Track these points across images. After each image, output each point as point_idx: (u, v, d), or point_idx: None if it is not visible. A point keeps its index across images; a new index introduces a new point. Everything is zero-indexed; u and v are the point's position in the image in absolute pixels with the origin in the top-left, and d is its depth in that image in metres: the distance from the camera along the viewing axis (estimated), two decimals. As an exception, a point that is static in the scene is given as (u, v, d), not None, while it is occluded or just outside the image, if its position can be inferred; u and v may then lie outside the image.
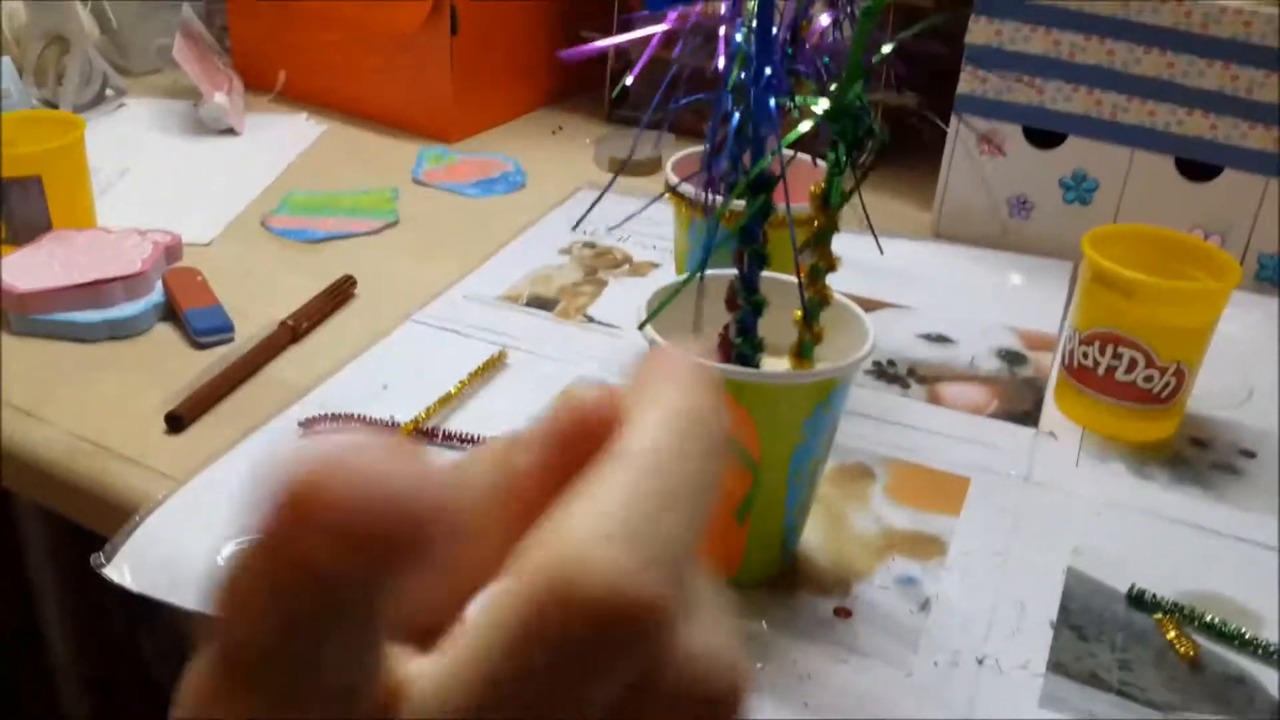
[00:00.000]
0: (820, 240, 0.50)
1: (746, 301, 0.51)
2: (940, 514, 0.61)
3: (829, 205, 0.49)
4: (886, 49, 0.47)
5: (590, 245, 0.87)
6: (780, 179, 0.48)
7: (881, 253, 0.53)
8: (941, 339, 0.77)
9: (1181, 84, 0.83)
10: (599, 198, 0.56)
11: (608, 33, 1.13)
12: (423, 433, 0.64)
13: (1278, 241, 0.84)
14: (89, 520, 0.61)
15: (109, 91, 1.10)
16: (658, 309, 0.49)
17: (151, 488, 0.59)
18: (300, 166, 1.00)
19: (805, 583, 0.55)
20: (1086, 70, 0.85)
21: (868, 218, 0.49)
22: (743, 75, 0.47)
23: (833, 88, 0.47)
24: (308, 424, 0.64)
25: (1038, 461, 0.65)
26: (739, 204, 0.50)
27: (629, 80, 0.60)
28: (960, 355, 0.76)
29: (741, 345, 0.52)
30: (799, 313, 0.51)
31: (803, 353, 0.52)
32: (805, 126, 0.47)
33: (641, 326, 0.50)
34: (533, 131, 1.12)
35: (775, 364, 0.53)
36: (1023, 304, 0.82)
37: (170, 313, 0.76)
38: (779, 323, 0.52)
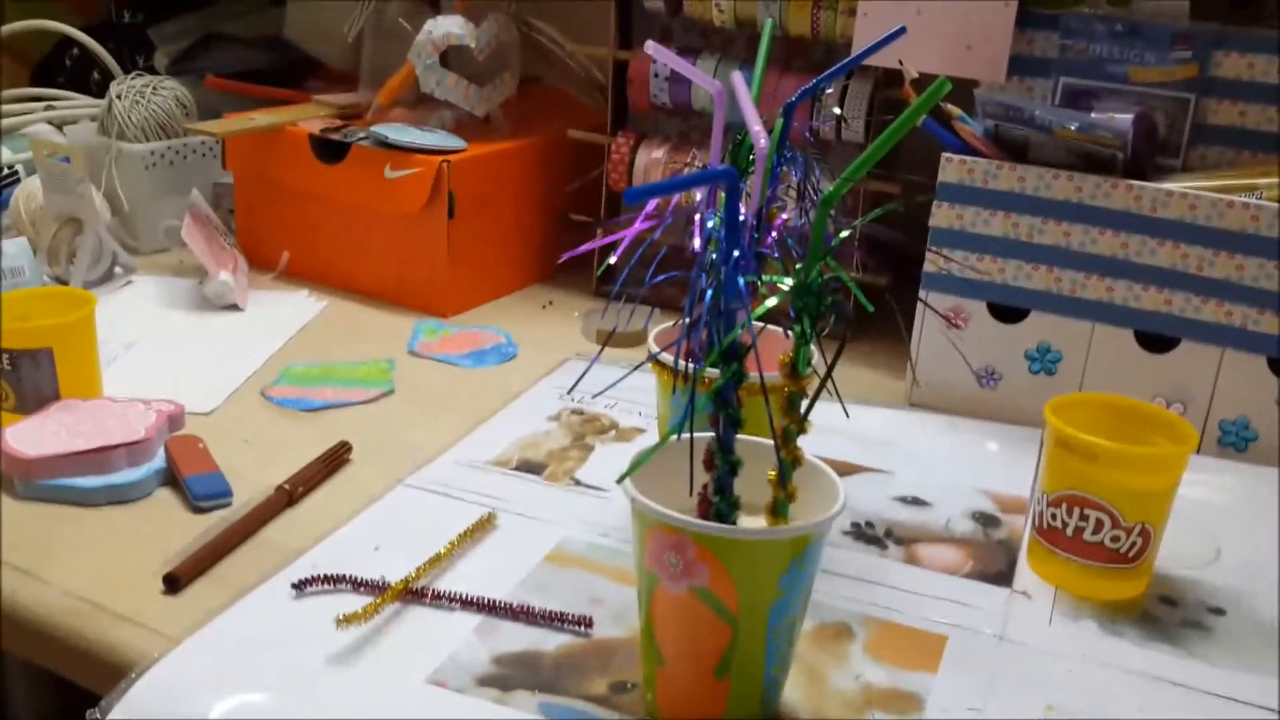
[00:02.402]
0: (790, 405, 0.53)
1: (723, 462, 0.54)
2: (918, 671, 0.62)
3: (797, 373, 0.53)
4: (845, 234, 0.52)
5: (578, 412, 0.91)
6: (750, 349, 0.52)
7: (847, 417, 0.56)
8: (918, 502, 0.80)
9: (1135, 262, 0.88)
10: (589, 367, 0.59)
11: (595, 213, 1.20)
12: (413, 592, 0.66)
13: (1237, 408, 0.88)
14: (84, 678, 0.63)
15: (118, 269, 1.15)
16: (634, 466, 0.52)
17: (147, 646, 0.61)
18: (300, 340, 1.04)
19: (786, 738, 0.57)
20: (1045, 250, 0.90)
21: (835, 389, 0.52)
22: (714, 256, 0.51)
23: (797, 268, 0.51)
24: (300, 585, 0.66)
25: (1012, 620, 0.67)
26: (715, 372, 0.53)
27: (612, 260, 0.65)
28: (936, 517, 0.78)
29: (719, 503, 0.55)
30: (773, 473, 0.54)
31: (778, 511, 0.55)
32: (771, 302, 0.51)
33: (620, 481, 0.52)
34: (524, 306, 1.16)
35: (752, 522, 0.56)
36: (995, 468, 0.85)
37: (171, 479, 0.78)
38: (754, 483, 0.55)
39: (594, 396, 0.91)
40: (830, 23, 1.04)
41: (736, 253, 0.51)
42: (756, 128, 0.57)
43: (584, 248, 0.73)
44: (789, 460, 0.54)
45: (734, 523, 0.55)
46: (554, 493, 0.79)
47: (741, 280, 0.51)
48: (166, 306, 1.10)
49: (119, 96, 1.22)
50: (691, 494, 0.55)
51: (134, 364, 0.97)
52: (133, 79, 1.25)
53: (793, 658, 0.58)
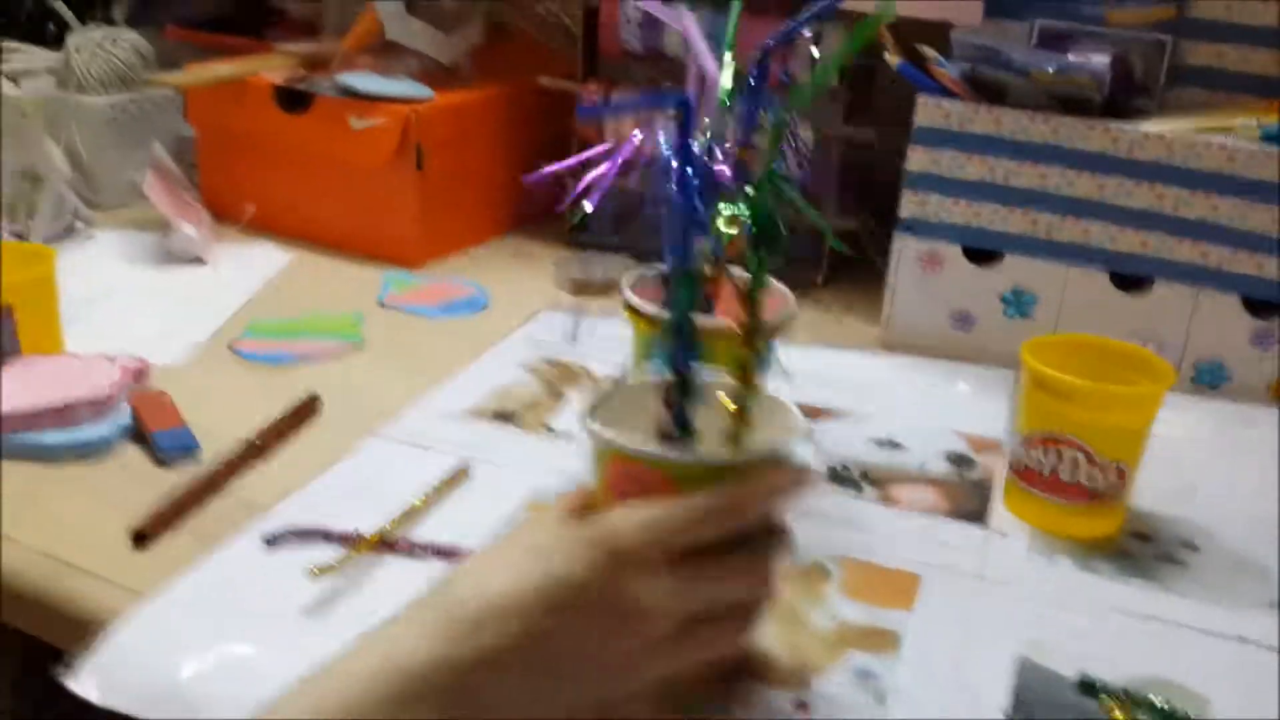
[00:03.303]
0: (749, 336, 0.53)
1: (679, 388, 0.53)
2: (894, 609, 0.62)
3: (752, 304, 0.52)
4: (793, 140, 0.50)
5: (553, 362, 0.90)
6: (708, 278, 0.51)
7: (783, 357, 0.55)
8: (892, 444, 0.80)
9: (1112, 203, 0.88)
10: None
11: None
12: (388, 544, 0.65)
13: (1211, 348, 0.88)
14: (54, 636, 0.61)
15: (79, 224, 1.13)
16: (596, 404, 0.52)
17: (117, 603, 0.60)
18: (267, 293, 1.02)
19: (765, 677, 0.56)
20: (1020, 193, 0.89)
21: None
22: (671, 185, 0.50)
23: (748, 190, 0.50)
24: (272, 539, 0.65)
25: (988, 558, 0.67)
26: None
27: (589, 207, 0.64)
28: (911, 459, 0.78)
29: (679, 433, 0.53)
30: (729, 401, 0.53)
31: (737, 441, 0.54)
32: (731, 230, 0.49)
33: (584, 417, 0.52)
34: (495, 256, 1.15)
35: None
36: (968, 410, 0.85)
37: (138, 435, 0.77)
38: (716, 423, 0.54)
39: (568, 340, 0.90)
40: (803, -36, 1.02)
41: (689, 175, 0.50)
42: (704, 56, 0.55)
43: (546, 170, 0.70)
44: (746, 391, 0.53)
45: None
46: (528, 441, 0.78)
47: (699, 203, 0.50)
48: (129, 261, 1.08)
49: (77, 49, 1.19)
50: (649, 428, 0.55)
51: (97, 320, 0.95)
52: (91, 30, 1.22)
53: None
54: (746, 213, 0.50)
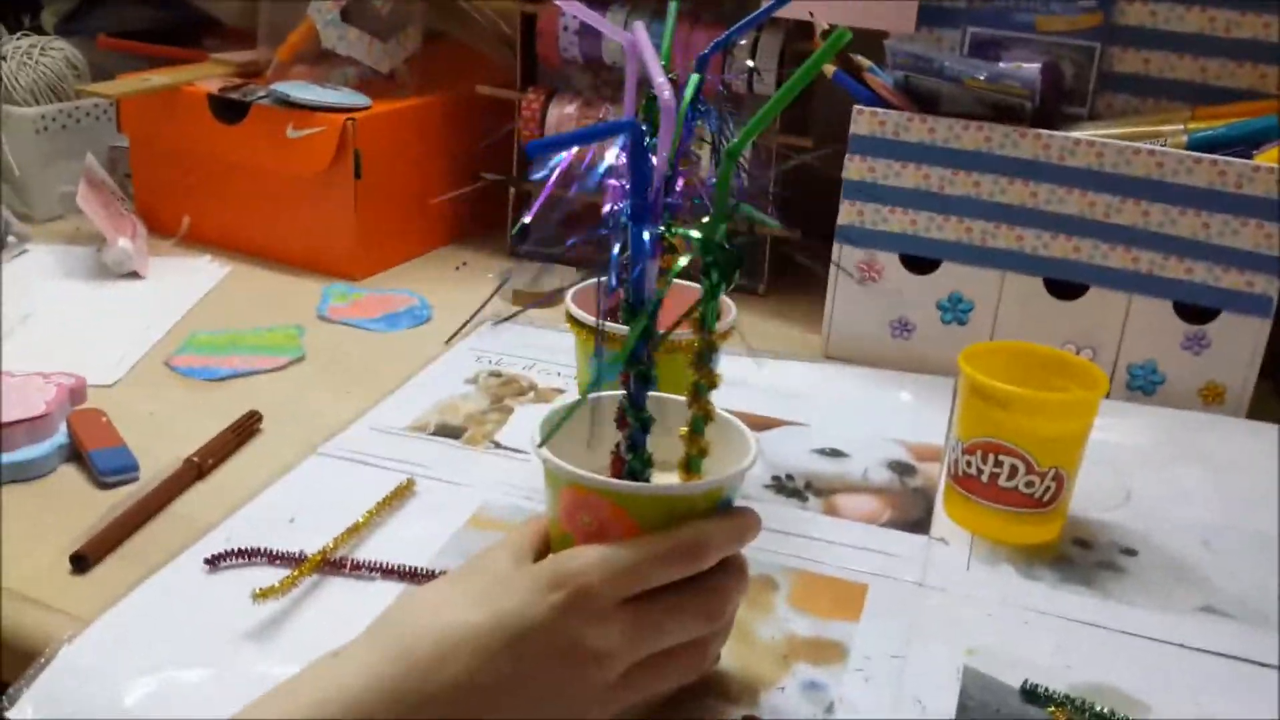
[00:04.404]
0: (700, 360, 0.53)
1: (634, 420, 0.53)
2: (841, 620, 0.63)
3: (706, 327, 0.52)
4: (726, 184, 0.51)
5: (496, 374, 0.90)
6: (658, 304, 0.51)
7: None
8: (836, 453, 0.81)
9: (1044, 210, 0.89)
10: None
11: (508, 171, 1.18)
12: (331, 563, 0.65)
13: (1144, 352, 0.90)
14: (-9, 664, 0.60)
15: (11, 238, 1.11)
16: (551, 430, 0.52)
17: (57, 629, 0.59)
18: (204, 307, 1.01)
19: (713, 692, 0.57)
20: (956, 200, 0.91)
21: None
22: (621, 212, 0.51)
23: (704, 221, 0.50)
24: (213, 560, 0.64)
25: (931, 566, 0.68)
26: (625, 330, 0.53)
27: (528, 219, 0.64)
28: (854, 468, 0.79)
29: (632, 461, 0.54)
30: (684, 429, 0.54)
31: (690, 467, 0.54)
32: (683, 261, 0.50)
33: (540, 446, 0.52)
34: (437, 268, 1.14)
35: (666, 479, 0.55)
36: (910, 418, 0.86)
37: (75, 454, 0.76)
38: (668, 442, 0.55)
39: (501, 358, 0.90)
40: (740, -26, 1.03)
41: (642, 205, 0.50)
42: (660, 79, 0.55)
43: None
44: (700, 415, 0.54)
45: (647, 480, 0.54)
46: (474, 456, 0.78)
47: (646, 235, 0.50)
48: (64, 276, 1.06)
49: (5, 58, 1.17)
50: (589, 445, 0.55)
51: (32, 337, 0.93)
52: (19, 39, 1.19)
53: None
54: (700, 243, 0.50)
